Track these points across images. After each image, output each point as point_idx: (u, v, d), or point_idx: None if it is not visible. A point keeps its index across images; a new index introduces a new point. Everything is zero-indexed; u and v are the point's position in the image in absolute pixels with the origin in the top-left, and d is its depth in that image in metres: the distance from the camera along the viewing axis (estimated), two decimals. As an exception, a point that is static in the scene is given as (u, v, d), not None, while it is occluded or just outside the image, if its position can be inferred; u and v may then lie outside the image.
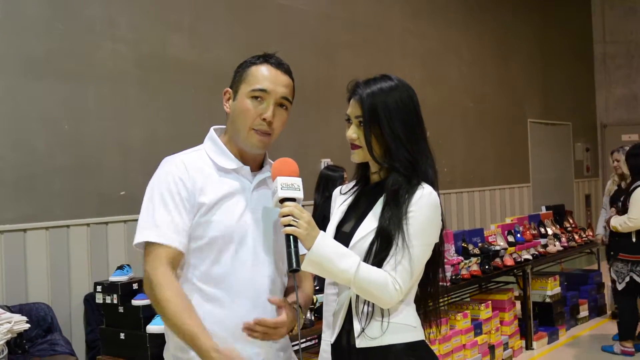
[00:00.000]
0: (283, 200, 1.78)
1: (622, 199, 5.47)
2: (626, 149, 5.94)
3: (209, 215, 1.83)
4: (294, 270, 1.74)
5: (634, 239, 5.28)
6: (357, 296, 1.85)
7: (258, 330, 1.80)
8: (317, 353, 2.05)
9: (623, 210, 5.37)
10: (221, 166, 1.89)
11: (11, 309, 3.72)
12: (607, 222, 5.55)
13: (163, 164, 1.89)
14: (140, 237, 1.81)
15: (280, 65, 1.92)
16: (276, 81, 1.89)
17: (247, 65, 1.92)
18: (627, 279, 5.30)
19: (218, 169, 1.89)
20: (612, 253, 5.48)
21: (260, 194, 1.92)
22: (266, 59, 1.92)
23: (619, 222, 5.32)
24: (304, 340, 3.64)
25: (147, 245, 1.80)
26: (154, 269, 1.77)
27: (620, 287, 5.36)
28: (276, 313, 1.86)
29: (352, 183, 2.08)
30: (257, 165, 1.96)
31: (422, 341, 1.91)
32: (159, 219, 1.80)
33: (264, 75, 1.88)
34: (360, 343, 1.84)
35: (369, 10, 6.83)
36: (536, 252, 5.95)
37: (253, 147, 1.90)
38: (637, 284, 5.26)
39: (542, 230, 6.42)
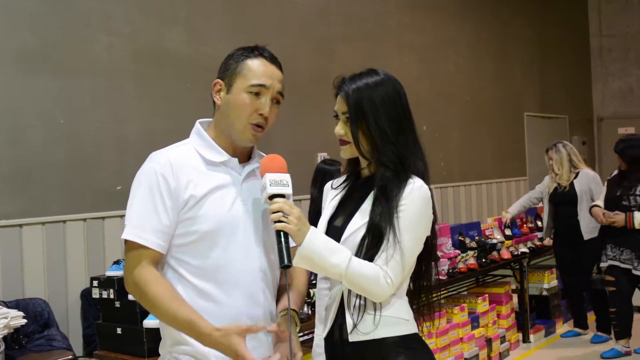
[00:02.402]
0: (272, 197, 1.77)
1: (638, 190, 5.02)
2: (558, 147, 5.79)
3: (198, 209, 1.81)
4: (285, 266, 1.73)
5: None
6: (349, 290, 1.85)
7: None
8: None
9: None
10: (209, 159, 1.88)
11: (8, 305, 3.72)
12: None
13: (148, 159, 1.87)
14: (124, 233, 1.81)
15: (274, 59, 1.91)
16: (273, 76, 1.88)
17: (241, 58, 1.89)
18: None
19: (206, 162, 1.87)
20: (635, 254, 5.02)
21: (250, 185, 1.91)
22: (260, 52, 1.90)
23: None
24: (300, 334, 3.64)
25: (128, 242, 1.80)
26: (137, 269, 1.77)
27: None
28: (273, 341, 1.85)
29: (343, 177, 2.07)
30: (245, 157, 1.95)
31: (415, 334, 1.91)
32: (140, 219, 1.80)
33: (261, 70, 1.87)
34: (352, 337, 1.84)
35: (366, 3, 6.81)
36: (533, 246, 5.96)
37: (246, 141, 1.90)
38: None
39: (539, 223, 6.42)
